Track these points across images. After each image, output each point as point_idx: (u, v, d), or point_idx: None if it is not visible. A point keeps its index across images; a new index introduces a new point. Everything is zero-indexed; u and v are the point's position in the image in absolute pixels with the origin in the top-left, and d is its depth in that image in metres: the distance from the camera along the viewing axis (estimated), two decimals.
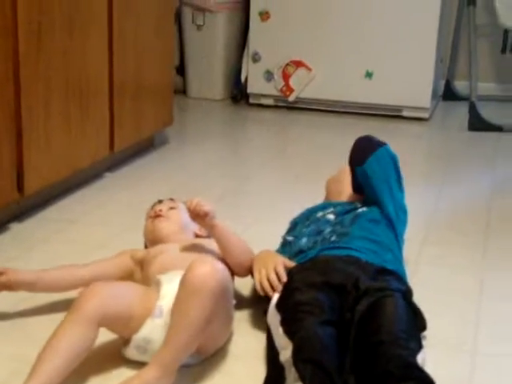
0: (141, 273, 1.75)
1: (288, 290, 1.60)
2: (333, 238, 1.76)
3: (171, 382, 1.44)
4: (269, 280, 1.67)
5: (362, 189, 1.94)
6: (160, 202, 1.92)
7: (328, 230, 1.82)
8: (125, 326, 1.52)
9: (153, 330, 1.51)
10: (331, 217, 1.90)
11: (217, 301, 1.47)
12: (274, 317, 1.55)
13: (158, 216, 1.85)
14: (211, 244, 1.79)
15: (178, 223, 1.85)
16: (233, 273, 1.75)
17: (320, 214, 1.92)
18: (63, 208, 2.47)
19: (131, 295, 1.56)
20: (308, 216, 1.95)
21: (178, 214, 1.87)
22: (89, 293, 1.49)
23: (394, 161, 1.92)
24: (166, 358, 1.43)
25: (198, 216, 1.73)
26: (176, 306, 1.48)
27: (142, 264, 1.76)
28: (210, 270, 1.47)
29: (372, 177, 1.87)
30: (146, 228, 1.88)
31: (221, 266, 1.52)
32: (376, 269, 1.65)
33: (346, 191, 2.01)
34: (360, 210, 1.89)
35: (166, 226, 1.83)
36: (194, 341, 1.46)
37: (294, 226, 1.96)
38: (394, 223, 1.88)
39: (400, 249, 1.88)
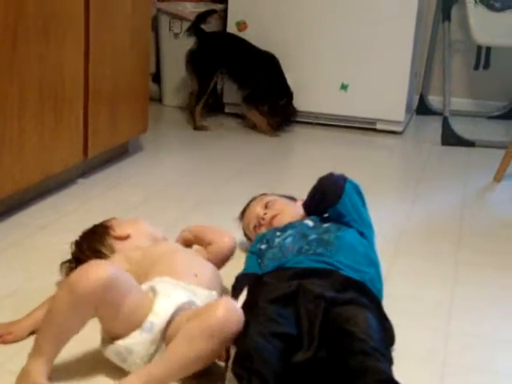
0: (137, 277, 1.66)
1: (251, 298, 1.61)
2: (318, 250, 1.76)
3: None
4: None
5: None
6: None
7: (312, 236, 1.83)
8: (114, 316, 1.48)
9: (138, 343, 1.49)
10: (309, 223, 1.92)
11: (227, 342, 1.45)
12: None
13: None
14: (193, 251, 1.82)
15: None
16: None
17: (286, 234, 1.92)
18: (35, 213, 2.44)
19: (133, 287, 1.52)
20: (273, 233, 1.95)
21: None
22: (92, 273, 1.44)
23: (358, 191, 1.97)
24: (152, 376, 1.41)
25: None
26: (186, 333, 1.43)
27: (138, 267, 1.70)
28: (233, 314, 1.45)
29: (346, 215, 1.91)
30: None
31: (240, 309, 1.49)
32: (347, 282, 1.66)
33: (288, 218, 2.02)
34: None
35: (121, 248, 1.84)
36: (185, 373, 1.45)
37: (261, 238, 1.95)
38: (369, 241, 1.92)
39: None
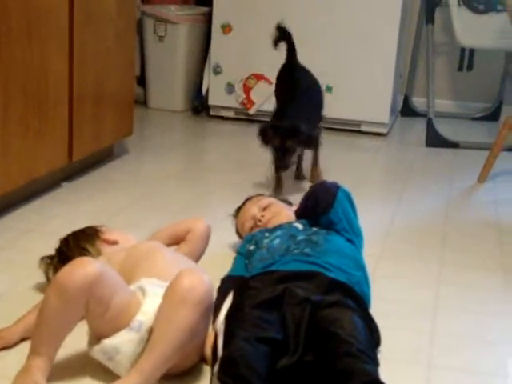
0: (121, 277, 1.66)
1: (237, 303, 1.61)
2: (306, 250, 1.77)
3: None
4: None
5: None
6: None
7: (301, 237, 1.83)
8: (103, 313, 1.47)
9: (125, 342, 1.48)
10: (299, 225, 1.93)
11: (203, 312, 1.47)
12: (222, 325, 1.56)
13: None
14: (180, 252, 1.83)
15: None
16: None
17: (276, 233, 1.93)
18: (19, 217, 2.43)
19: (121, 284, 1.53)
20: (262, 234, 1.95)
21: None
22: (79, 269, 1.44)
23: (349, 199, 1.98)
24: (147, 367, 1.42)
25: None
26: (161, 314, 1.46)
27: (121, 267, 1.69)
28: (198, 280, 1.48)
29: (337, 223, 1.92)
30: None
31: (208, 277, 1.52)
32: (332, 284, 1.66)
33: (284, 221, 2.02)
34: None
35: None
36: (177, 351, 1.45)
37: (250, 239, 1.96)
38: (357, 248, 1.94)
39: None
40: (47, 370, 1.45)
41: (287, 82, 2.98)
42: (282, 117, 2.79)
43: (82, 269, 1.44)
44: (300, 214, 2.04)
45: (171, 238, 1.93)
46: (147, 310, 1.51)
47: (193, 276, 1.48)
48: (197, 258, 1.91)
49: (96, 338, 1.52)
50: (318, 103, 3.00)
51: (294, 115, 2.76)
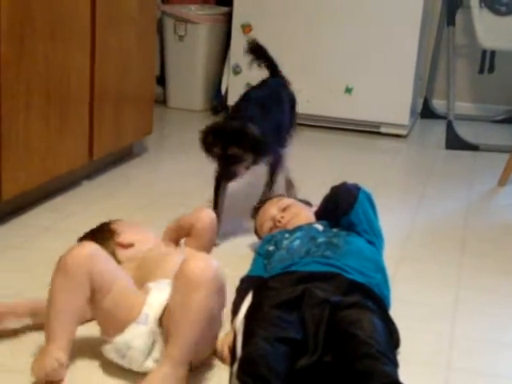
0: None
1: (256, 303, 1.62)
2: (326, 253, 1.76)
3: (184, 376, 1.45)
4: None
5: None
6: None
7: (321, 239, 1.83)
8: (104, 296, 1.51)
9: (135, 337, 1.51)
10: (319, 227, 1.92)
11: (216, 292, 1.48)
12: (241, 325, 1.57)
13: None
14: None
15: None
16: None
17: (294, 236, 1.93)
18: (38, 214, 2.45)
19: (122, 272, 1.59)
20: (282, 235, 1.95)
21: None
22: (76, 249, 1.53)
23: (370, 200, 1.97)
24: (177, 353, 1.44)
25: None
26: (175, 302, 1.47)
27: (134, 277, 1.69)
28: (205, 263, 1.49)
29: (358, 224, 1.92)
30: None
31: (215, 261, 1.53)
32: (352, 285, 1.66)
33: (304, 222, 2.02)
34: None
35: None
36: (200, 334, 1.47)
37: (270, 239, 1.96)
38: (378, 249, 1.93)
39: None
40: (67, 350, 1.48)
41: (255, 89, 2.60)
42: (229, 119, 2.35)
43: (81, 247, 1.55)
44: (320, 215, 2.04)
45: (178, 232, 1.93)
46: (152, 302, 1.53)
47: (198, 260, 1.50)
48: (206, 250, 1.90)
49: (107, 336, 1.54)
50: (283, 119, 2.52)
51: (246, 117, 2.27)
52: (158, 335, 1.51)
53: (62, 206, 2.54)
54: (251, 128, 2.20)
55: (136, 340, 1.51)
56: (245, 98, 2.47)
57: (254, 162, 2.26)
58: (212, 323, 1.52)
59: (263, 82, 2.64)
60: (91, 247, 1.55)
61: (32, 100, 2.32)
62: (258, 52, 2.67)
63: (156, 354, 1.52)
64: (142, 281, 1.65)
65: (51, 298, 1.51)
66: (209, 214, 1.93)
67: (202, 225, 1.90)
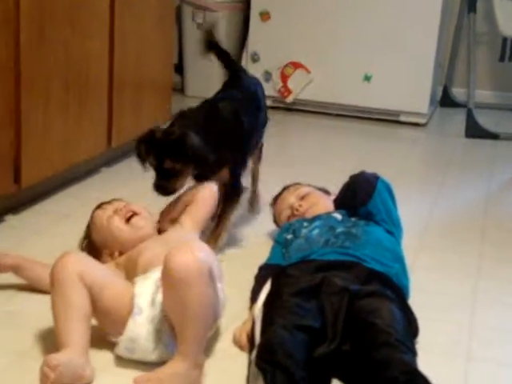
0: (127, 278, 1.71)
1: (275, 290, 1.62)
2: (345, 243, 1.76)
3: (198, 371, 1.47)
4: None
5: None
6: (107, 203, 1.88)
7: (340, 229, 1.82)
8: (102, 289, 1.55)
9: (135, 330, 1.53)
10: (338, 216, 1.91)
11: (207, 280, 1.47)
12: (259, 312, 1.57)
13: (134, 214, 1.83)
14: (182, 229, 1.83)
15: (150, 218, 1.87)
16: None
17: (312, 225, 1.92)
18: (58, 201, 2.46)
19: (107, 271, 1.64)
20: (301, 223, 1.95)
21: (145, 209, 1.89)
22: (60, 260, 1.57)
23: (389, 190, 1.96)
24: (187, 348, 1.46)
25: None
26: (170, 300, 1.48)
27: (126, 269, 1.73)
28: (184, 256, 1.47)
29: (376, 214, 1.91)
30: (121, 230, 1.80)
31: (198, 248, 1.52)
32: (371, 274, 1.65)
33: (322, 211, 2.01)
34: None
35: (145, 223, 1.83)
36: (205, 324, 1.48)
37: (288, 228, 1.95)
38: (397, 239, 1.92)
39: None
40: (85, 348, 1.49)
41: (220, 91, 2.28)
42: (171, 125, 2.02)
43: (65, 255, 1.59)
44: (338, 204, 2.03)
45: (179, 209, 1.92)
46: (139, 291, 1.55)
47: (178, 255, 1.47)
48: (201, 224, 1.88)
49: (111, 336, 1.57)
50: (237, 132, 2.10)
51: (186, 124, 1.95)
52: (158, 318, 1.52)
53: (81, 193, 2.55)
54: (193, 137, 1.89)
55: (137, 332, 1.52)
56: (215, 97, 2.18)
57: (200, 177, 1.97)
58: (212, 309, 1.51)
59: (236, 81, 2.30)
60: (75, 253, 1.63)
61: (51, 87, 2.32)
62: (213, 48, 2.37)
63: (165, 338, 1.52)
64: (131, 275, 1.67)
65: (53, 309, 1.53)
66: (209, 190, 1.91)
67: (197, 200, 1.88)
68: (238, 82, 2.27)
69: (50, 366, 1.40)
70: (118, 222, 1.80)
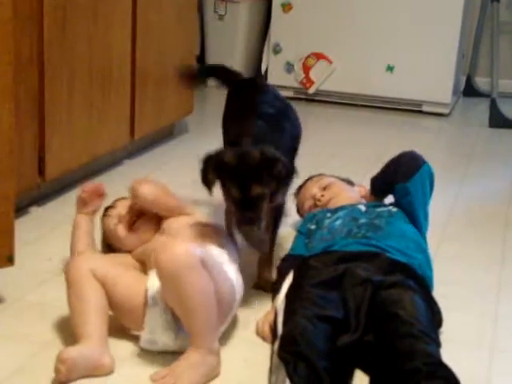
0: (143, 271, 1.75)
1: (297, 282, 1.62)
2: (369, 234, 1.75)
3: (217, 355, 1.49)
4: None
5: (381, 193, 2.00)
6: (111, 207, 1.89)
7: (363, 220, 1.82)
8: (112, 289, 1.57)
9: (153, 322, 1.55)
10: (362, 207, 1.91)
11: (199, 271, 1.48)
12: (282, 303, 1.57)
13: (137, 218, 1.83)
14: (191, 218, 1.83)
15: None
16: None
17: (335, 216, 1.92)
18: None
19: (120, 266, 1.67)
20: (324, 214, 1.94)
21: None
22: (77, 261, 1.62)
23: (431, 177, 1.94)
24: (199, 341, 1.47)
25: None
26: (169, 296, 1.50)
27: (141, 262, 1.76)
28: (171, 251, 1.48)
29: (414, 195, 1.89)
30: (125, 239, 1.82)
31: (182, 241, 1.55)
32: (394, 265, 1.64)
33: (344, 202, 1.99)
34: (391, 208, 1.90)
35: (148, 226, 1.83)
36: (210, 314, 1.49)
37: (311, 218, 1.95)
38: (422, 233, 1.90)
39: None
40: (103, 337, 1.51)
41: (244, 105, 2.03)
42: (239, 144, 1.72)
43: (76, 257, 1.70)
44: (377, 179, 2.00)
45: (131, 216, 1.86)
46: (151, 283, 1.56)
47: (164, 253, 1.49)
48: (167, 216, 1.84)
49: (132, 329, 1.59)
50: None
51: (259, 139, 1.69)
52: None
53: (104, 185, 2.56)
54: (280, 156, 1.64)
55: (155, 323, 1.54)
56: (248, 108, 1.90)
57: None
58: (214, 296, 1.51)
59: (258, 87, 2.09)
60: (85, 253, 1.72)
61: (75, 80, 2.34)
62: (212, 72, 2.25)
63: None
64: (147, 268, 1.71)
65: (71, 304, 1.56)
66: (143, 192, 1.79)
67: (142, 203, 1.80)
68: (261, 88, 2.09)
69: (61, 360, 1.43)
70: (121, 231, 1.82)
